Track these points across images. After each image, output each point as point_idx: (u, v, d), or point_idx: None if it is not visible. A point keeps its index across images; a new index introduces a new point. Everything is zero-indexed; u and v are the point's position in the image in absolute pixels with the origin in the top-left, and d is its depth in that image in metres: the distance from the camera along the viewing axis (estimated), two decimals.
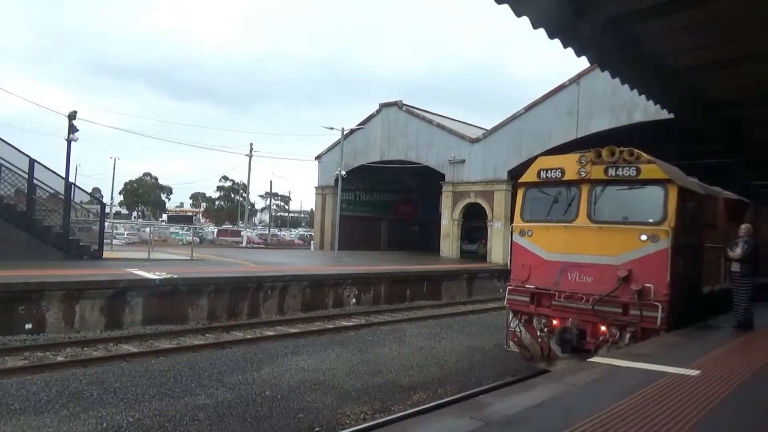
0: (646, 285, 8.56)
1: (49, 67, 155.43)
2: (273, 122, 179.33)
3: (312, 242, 47.05)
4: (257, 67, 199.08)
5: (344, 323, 16.28)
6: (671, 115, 10.69)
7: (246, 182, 56.78)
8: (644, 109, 23.17)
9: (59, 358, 10.78)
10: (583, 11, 5.85)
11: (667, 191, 8.76)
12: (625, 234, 8.95)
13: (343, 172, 33.01)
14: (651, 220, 8.81)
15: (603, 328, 8.98)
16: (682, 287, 8.92)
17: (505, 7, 5.40)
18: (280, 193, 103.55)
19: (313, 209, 46.41)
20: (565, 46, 6.27)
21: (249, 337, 13.64)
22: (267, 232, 66.31)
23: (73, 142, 24.43)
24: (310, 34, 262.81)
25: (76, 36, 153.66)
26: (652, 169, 8.83)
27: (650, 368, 6.03)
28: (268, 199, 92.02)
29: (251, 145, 51.79)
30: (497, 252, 30.62)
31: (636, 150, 9.04)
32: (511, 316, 10.35)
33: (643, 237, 8.72)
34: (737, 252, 9.24)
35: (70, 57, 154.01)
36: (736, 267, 9.34)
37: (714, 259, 10.67)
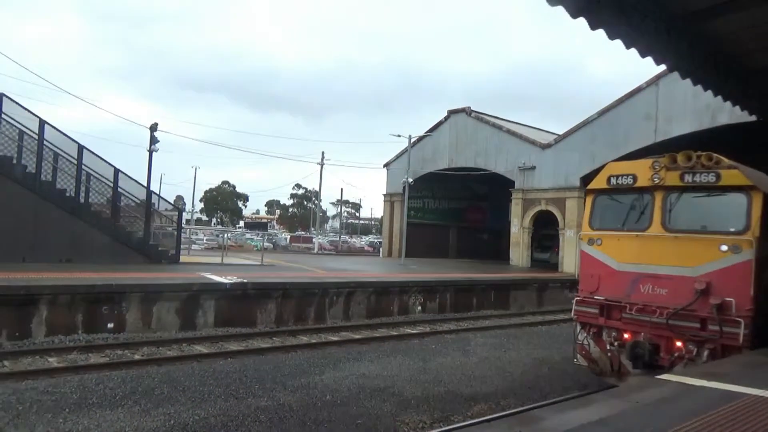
0: (727, 299, 7.97)
1: (136, 82, 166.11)
2: (346, 131, 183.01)
3: (381, 249, 47.40)
4: (331, 77, 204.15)
5: (408, 331, 16.24)
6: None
7: (318, 190, 58.05)
8: (730, 111, 21.66)
9: (136, 357, 11.39)
10: (648, 10, 5.58)
11: (750, 198, 8.14)
12: (703, 244, 8.38)
13: (411, 180, 33.10)
14: (732, 230, 8.20)
15: (679, 343, 8.45)
16: (766, 302, 8.25)
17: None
18: (351, 201, 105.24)
19: (382, 217, 46.77)
20: (628, 47, 5.98)
21: (314, 341, 13.88)
22: (338, 238, 67.42)
23: (156, 153, 25.93)
24: (381, 44, 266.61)
25: (163, 54, 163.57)
26: (733, 174, 8.23)
27: (726, 388, 5.59)
28: (339, 207, 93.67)
29: (323, 153, 52.83)
30: (569, 261, 29.60)
31: (716, 155, 8.47)
32: (579, 328, 9.95)
33: (724, 247, 8.13)
34: None
35: (156, 73, 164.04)
36: None
37: None
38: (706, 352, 8.17)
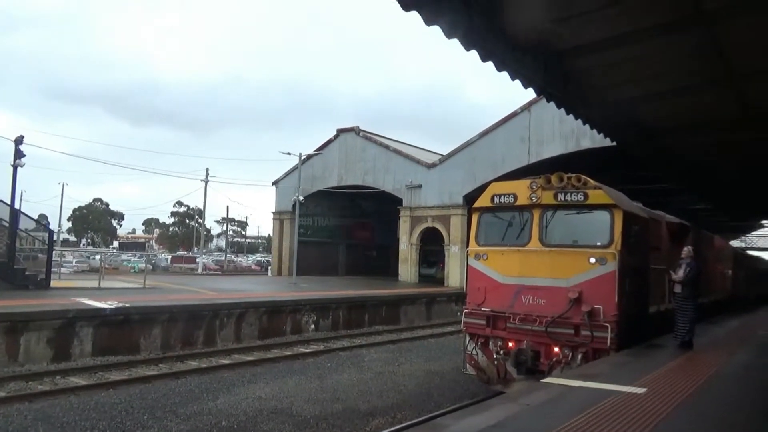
0: (596, 306, 8.86)
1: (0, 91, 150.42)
2: (233, 148, 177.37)
3: (270, 268, 46.46)
4: (218, 93, 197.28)
5: (302, 350, 16.11)
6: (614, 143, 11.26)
7: (202, 207, 55.78)
8: (591, 136, 24.06)
9: (1, 394, 10.25)
10: (526, 50, 6.21)
11: (613, 215, 9.15)
12: (575, 257, 9.26)
13: (301, 198, 32.96)
14: (599, 244, 9.16)
15: (556, 349, 9.22)
16: (629, 308, 9.28)
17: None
18: (237, 219, 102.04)
19: (271, 234, 45.96)
20: (513, 79, 6.59)
21: (204, 366, 13.33)
22: (224, 257, 65.09)
23: (19, 168, 23.60)
24: (269, 61, 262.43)
25: (29, 59, 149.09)
26: (598, 194, 9.23)
27: (600, 387, 6.26)
28: (225, 225, 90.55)
29: (207, 170, 50.85)
30: (455, 276, 30.99)
31: (583, 176, 9.43)
32: (468, 339, 10.51)
33: (592, 260, 9.05)
34: (679, 274, 9.69)
35: (21, 80, 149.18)
36: (678, 289, 9.79)
37: (659, 281, 11.14)
38: (579, 356, 9.01)
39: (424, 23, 4.91)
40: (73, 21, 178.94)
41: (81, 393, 10.49)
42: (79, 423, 8.43)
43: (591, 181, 9.38)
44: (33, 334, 12.56)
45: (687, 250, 10.09)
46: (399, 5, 4.61)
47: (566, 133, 26.50)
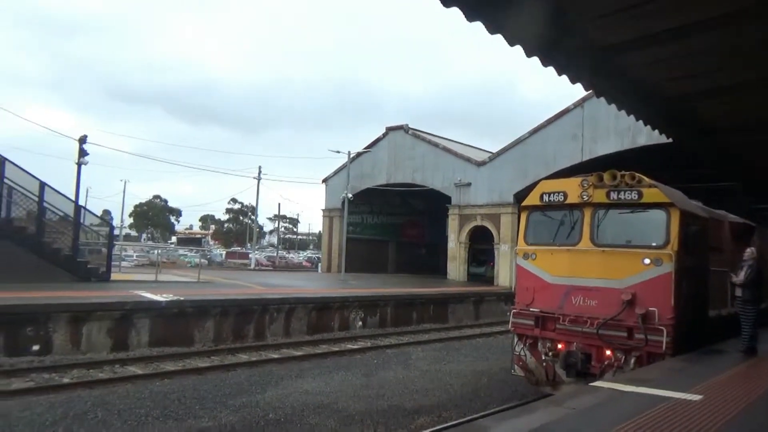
0: (651, 309, 8.54)
1: (65, 92, 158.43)
2: (283, 147, 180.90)
3: (320, 265, 47.07)
4: (269, 93, 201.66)
5: (350, 346, 16.25)
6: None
7: (255, 204, 57.10)
8: (648, 133, 23.17)
9: (65, 380, 10.82)
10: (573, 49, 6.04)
11: (669, 215, 8.79)
12: (628, 257, 8.95)
13: (350, 195, 33.21)
14: (654, 244, 8.82)
15: (608, 352, 8.94)
16: (687, 311, 8.89)
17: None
18: (288, 216, 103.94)
19: (321, 232, 46.55)
20: (560, 74, 6.40)
21: (254, 359, 13.64)
22: (275, 254, 66.42)
23: (84, 166, 24.85)
24: (319, 61, 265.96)
25: (94, 62, 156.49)
26: (653, 192, 8.87)
27: (653, 393, 6.01)
28: (277, 222, 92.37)
29: (259, 168, 52.13)
30: (504, 275, 30.53)
31: (638, 174, 9.09)
32: (516, 339, 10.33)
33: (647, 261, 8.72)
34: (740, 277, 9.21)
35: (87, 83, 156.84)
36: (739, 292, 9.31)
37: (720, 283, 10.62)
38: (633, 360, 8.69)
39: (465, 19, 4.82)
40: (133, 25, 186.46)
41: (137, 381, 10.93)
42: (134, 410, 8.78)
43: (646, 179, 9.02)
44: (94, 324, 13.18)
45: (750, 251, 9.56)
46: (440, 1, 4.54)
47: (622, 129, 25.61)
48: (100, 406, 8.89)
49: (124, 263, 31.04)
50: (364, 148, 38.25)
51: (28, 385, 10.26)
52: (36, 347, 12.26)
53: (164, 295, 15.25)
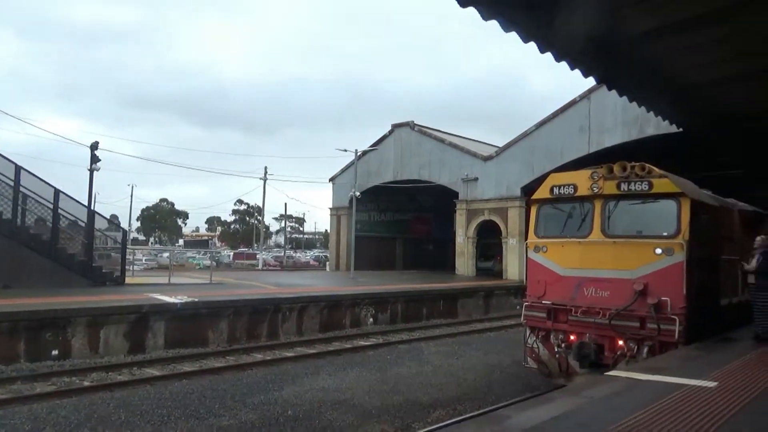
0: (663, 298, 8.59)
1: (78, 101, 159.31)
2: (294, 147, 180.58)
3: (327, 263, 47.25)
4: (281, 94, 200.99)
5: (362, 343, 16.38)
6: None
7: (261, 205, 57.32)
8: (656, 123, 23.16)
9: (86, 383, 11.01)
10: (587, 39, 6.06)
11: (680, 204, 8.84)
12: (639, 248, 9.01)
13: (357, 193, 33.34)
14: (665, 234, 8.87)
15: (621, 342, 9.00)
16: (699, 300, 8.94)
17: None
18: (294, 215, 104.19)
19: (328, 230, 46.69)
20: (572, 68, 6.47)
21: (269, 358, 13.79)
22: (282, 254, 66.68)
23: (95, 172, 25.05)
24: (331, 60, 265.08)
25: (107, 70, 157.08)
26: (664, 183, 8.92)
27: (668, 381, 6.10)
28: (283, 222, 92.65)
29: (265, 168, 52.29)
30: (513, 268, 30.60)
31: (647, 164, 9.14)
32: (528, 332, 10.41)
33: (658, 251, 8.77)
34: (752, 264, 9.26)
35: (102, 91, 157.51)
36: (752, 279, 9.36)
37: (732, 272, 10.66)
38: (645, 349, 8.76)
39: (481, 18, 4.91)
40: (148, 32, 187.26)
41: (156, 383, 11.10)
42: (156, 411, 8.94)
43: (656, 169, 9.07)
44: (112, 328, 13.37)
45: (760, 239, 9.60)
46: (456, 2, 4.64)
47: (629, 120, 25.57)
48: (123, 408, 9.05)
49: (134, 267, 31.25)
50: (371, 146, 38.35)
51: (51, 389, 10.46)
52: (55, 352, 12.46)
53: (178, 297, 15.43)
